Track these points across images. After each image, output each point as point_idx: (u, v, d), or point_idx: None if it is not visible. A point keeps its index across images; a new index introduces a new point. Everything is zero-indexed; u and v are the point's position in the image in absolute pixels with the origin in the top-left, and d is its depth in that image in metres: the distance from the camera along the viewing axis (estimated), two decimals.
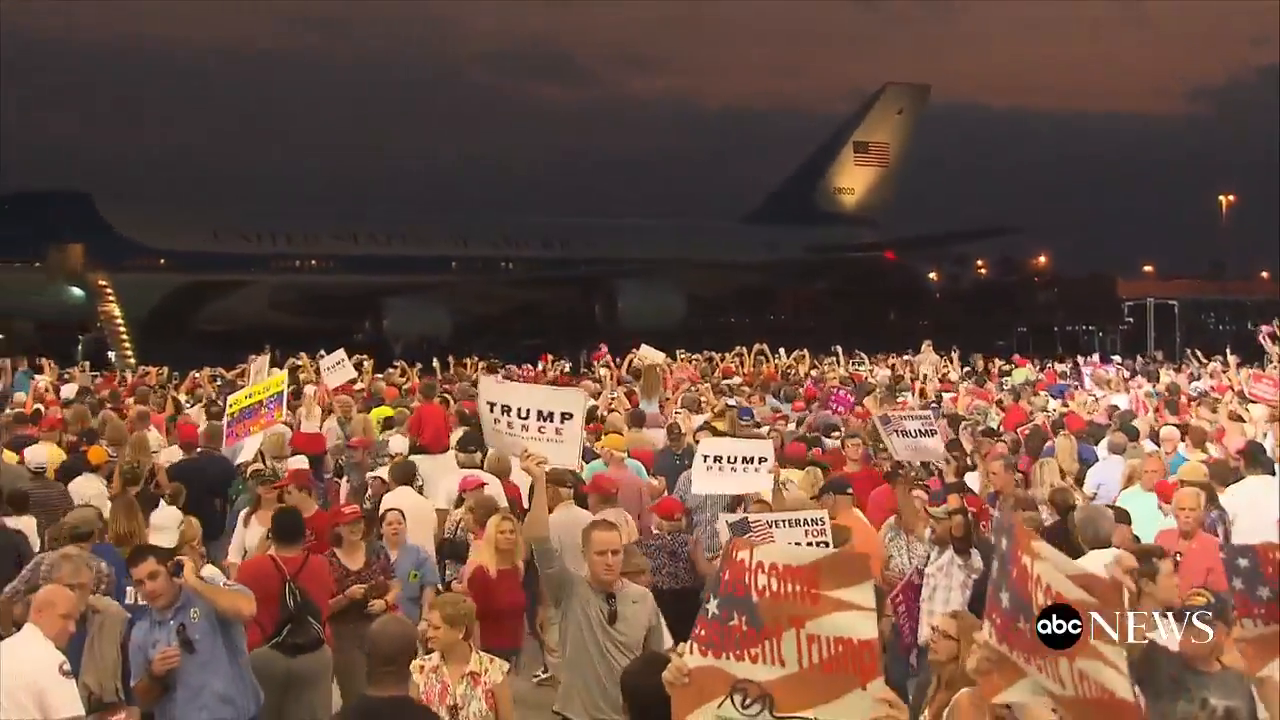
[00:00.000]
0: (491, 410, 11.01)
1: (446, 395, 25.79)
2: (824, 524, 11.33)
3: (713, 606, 5.76)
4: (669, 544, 13.87)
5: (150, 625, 9.91)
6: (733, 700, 5.61)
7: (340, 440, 20.98)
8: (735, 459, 13.61)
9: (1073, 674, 5.07)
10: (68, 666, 8.91)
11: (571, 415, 10.82)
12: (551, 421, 10.72)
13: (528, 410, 10.79)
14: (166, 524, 12.31)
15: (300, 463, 16.69)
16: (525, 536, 10.83)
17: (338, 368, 26.07)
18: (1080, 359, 41.08)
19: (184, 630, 9.71)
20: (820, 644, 5.50)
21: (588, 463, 18.00)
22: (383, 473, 16.61)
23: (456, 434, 19.80)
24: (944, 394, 28.40)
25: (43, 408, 24.53)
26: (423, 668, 9.10)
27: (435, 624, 9.22)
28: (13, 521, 14.58)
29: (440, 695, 9.03)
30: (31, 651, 8.86)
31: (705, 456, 14.02)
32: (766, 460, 13.47)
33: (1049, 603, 5.09)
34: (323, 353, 29.32)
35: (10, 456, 17.87)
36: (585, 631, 9.40)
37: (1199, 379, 31.99)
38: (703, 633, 5.73)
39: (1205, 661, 7.78)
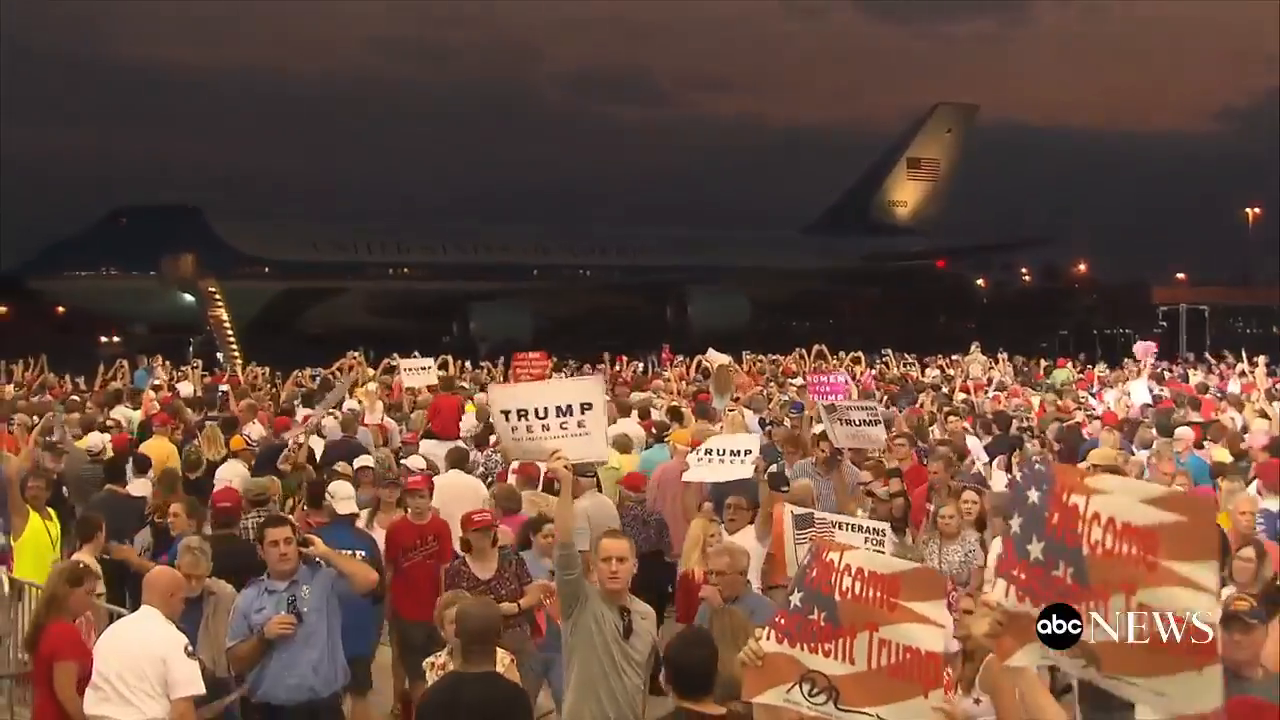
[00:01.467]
0: (508, 419, 9.98)
1: (463, 387, 26.74)
2: (884, 535, 10.87)
3: (796, 599, 5.76)
4: (641, 514, 14.50)
5: (258, 593, 9.84)
6: (801, 687, 5.60)
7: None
8: (724, 451, 13.06)
9: (1132, 611, 4.59)
10: (191, 648, 8.98)
11: (591, 405, 9.87)
12: (572, 415, 9.76)
13: (545, 409, 9.81)
14: (345, 494, 12.75)
15: (419, 463, 16.24)
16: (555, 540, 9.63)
17: (422, 372, 26.32)
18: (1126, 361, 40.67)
19: (294, 603, 9.70)
20: (890, 649, 5.45)
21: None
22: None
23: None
24: (971, 393, 28.26)
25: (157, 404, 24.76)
26: (434, 664, 8.96)
27: (447, 623, 8.87)
28: (134, 487, 15.84)
29: None
30: (157, 630, 8.93)
31: (698, 450, 13.65)
32: (751, 452, 13.08)
33: (1112, 538, 4.65)
34: (394, 356, 29.69)
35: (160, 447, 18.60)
36: (598, 646, 8.45)
37: (1226, 380, 31.68)
38: (782, 622, 5.73)
39: (1249, 666, 7.49)
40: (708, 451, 13.33)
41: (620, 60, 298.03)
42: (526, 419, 9.83)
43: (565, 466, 9.17)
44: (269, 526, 10.18)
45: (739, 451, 12.96)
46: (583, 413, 9.77)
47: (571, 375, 34.01)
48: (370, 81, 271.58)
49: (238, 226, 66.98)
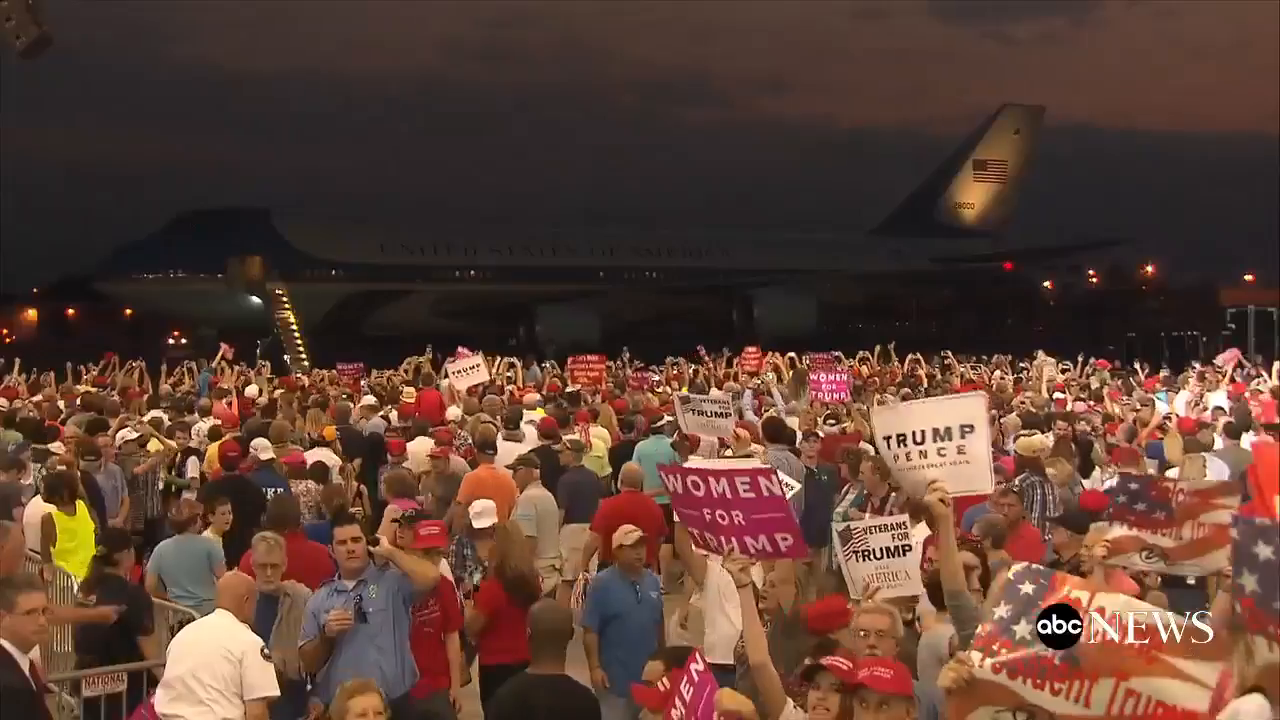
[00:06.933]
0: (889, 444, 8.47)
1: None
2: (906, 527, 9.94)
3: (1023, 630, 5.18)
4: None
5: (328, 593, 9.86)
6: (1015, 715, 5.12)
7: None
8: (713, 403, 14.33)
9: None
10: (268, 651, 9.03)
11: (973, 427, 8.19)
12: (950, 439, 8.16)
13: (922, 433, 8.25)
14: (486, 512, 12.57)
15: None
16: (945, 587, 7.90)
17: (471, 371, 25.25)
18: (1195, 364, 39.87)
19: (360, 602, 9.68)
20: (1139, 702, 4.97)
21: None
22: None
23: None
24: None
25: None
26: None
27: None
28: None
29: None
30: (234, 631, 8.98)
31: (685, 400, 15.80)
32: (730, 416, 15.14)
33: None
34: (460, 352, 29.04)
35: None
36: None
37: None
38: (1006, 654, 5.16)
39: None
40: (697, 412, 15.59)
41: (685, 62, 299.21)
42: (906, 444, 8.29)
43: (943, 500, 7.67)
44: (337, 525, 10.26)
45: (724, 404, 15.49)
46: (963, 436, 8.17)
47: (638, 374, 33.54)
48: (435, 83, 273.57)
49: (305, 229, 67.21)
